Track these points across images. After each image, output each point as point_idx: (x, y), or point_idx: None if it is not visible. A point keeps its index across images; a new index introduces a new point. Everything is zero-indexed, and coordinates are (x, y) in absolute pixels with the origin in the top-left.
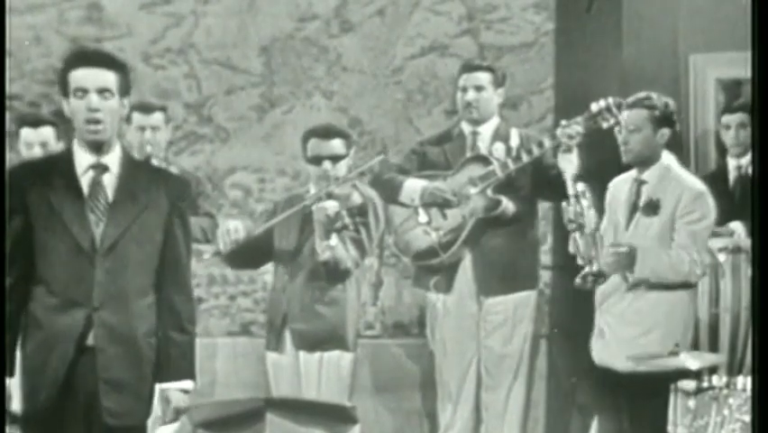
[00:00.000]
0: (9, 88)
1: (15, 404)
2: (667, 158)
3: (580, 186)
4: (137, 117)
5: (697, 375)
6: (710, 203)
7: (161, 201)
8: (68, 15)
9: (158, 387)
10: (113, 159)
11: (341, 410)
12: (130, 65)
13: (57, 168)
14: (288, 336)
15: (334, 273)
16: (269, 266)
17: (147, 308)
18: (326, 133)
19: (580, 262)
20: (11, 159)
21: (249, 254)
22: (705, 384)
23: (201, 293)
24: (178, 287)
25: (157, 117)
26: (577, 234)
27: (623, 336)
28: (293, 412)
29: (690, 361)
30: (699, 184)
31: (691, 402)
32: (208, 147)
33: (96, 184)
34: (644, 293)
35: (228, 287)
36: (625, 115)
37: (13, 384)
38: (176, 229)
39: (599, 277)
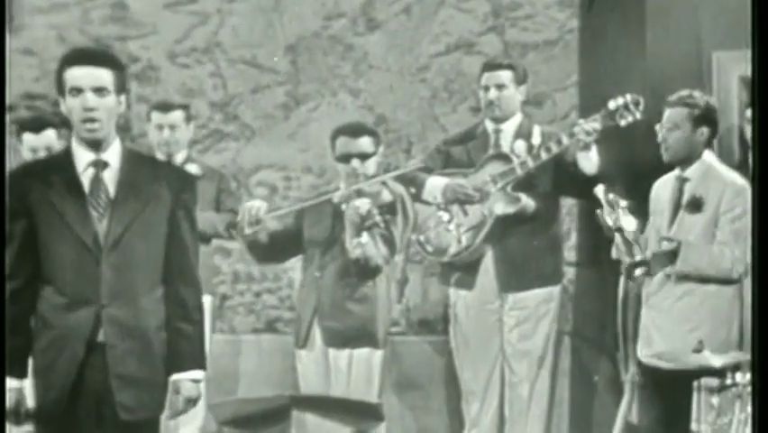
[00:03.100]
0: (32, 87)
1: (30, 403)
2: (709, 156)
3: (611, 195)
4: (155, 116)
5: (720, 373)
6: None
7: (164, 194)
8: (93, 15)
9: (170, 379)
10: (112, 154)
11: (367, 408)
12: (155, 64)
13: (57, 167)
14: (317, 332)
15: (365, 270)
16: (295, 263)
17: (156, 301)
18: (355, 131)
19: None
20: (14, 164)
21: (275, 247)
22: (728, 382)
23: (226, 290)
24: (184, 279)
25: (176, 115)
26: (618, 240)
27: (671, 332)
28: (319, 409)
29: (714, 358)
30: (741, 180)
31: (715, 400)
32: (234, 145)
33: (97, 180)
34: (691, 289)
35: (253, 284)
36: (665, 114)
37: (26, 384)
38: (180, 222)
39: (643, 266)
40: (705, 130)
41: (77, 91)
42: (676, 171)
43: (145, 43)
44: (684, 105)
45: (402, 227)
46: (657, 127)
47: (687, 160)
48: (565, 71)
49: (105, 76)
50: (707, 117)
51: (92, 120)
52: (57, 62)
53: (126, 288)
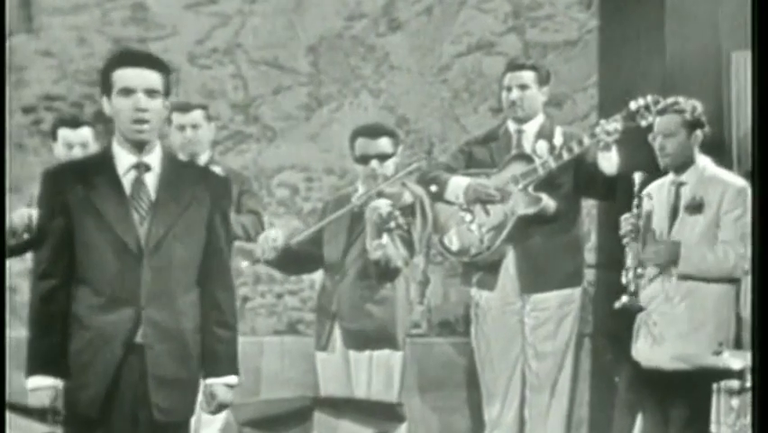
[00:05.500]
0: (52, 89)
1: (60, 403)
2: (702, 159)
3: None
4: (176, 117)
5: (740, 375)
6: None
7: (204, 199)
8: (113, 16)
9: (204, 382)
10: (154, 158)
11: (388, 409)
12: (175, 65)
13: (97, 168)
14: (337, 335)
15: (385, 272)
16: None
17: (191, 304)
18: (374, 132)
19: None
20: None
21: (301, 260)
22: (748, 383)
23: (247, 292)
24: (220, 283)
25: (196, 115)
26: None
27: (674, 334)
28: (340, 411)
29: (733, 360)
30: (740, 180)
31: (734, 401)
32: (255, 147)
33: (139, 183)
34: (690, 291)
35: (275, 285)
36: (657, 122)
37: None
38: (218, 227)
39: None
40: (698, 133)
41: (129, 92)
42: (670, 176)
43: (165, 45)
44: (675, 113)
45: (421, 229)
46: (650, 137)
47: (684, 165)
48: (585, 72)
49: (156, 78)
50: (698, 121)
51: (143, 121)
52: (105, 62)
53: (165, 290)
